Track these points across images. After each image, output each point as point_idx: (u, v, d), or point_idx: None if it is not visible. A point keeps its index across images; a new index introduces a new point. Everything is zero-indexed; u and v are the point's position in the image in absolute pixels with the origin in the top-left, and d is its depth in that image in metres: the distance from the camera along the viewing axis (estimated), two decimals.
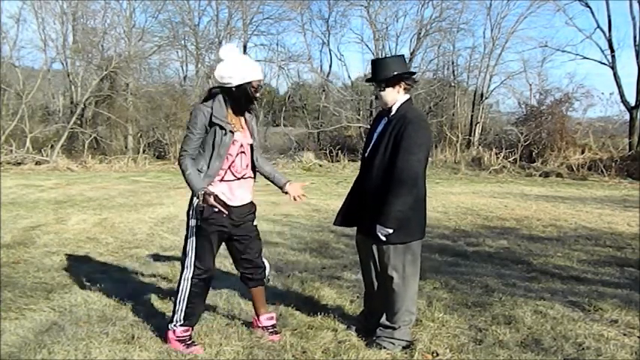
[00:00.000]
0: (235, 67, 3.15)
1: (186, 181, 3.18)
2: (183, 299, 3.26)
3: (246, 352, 3.24)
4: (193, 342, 3.29)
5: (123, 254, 5.77)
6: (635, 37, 19.81)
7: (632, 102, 19.97)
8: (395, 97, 3.31)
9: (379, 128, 3.38)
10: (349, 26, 28.45)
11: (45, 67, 20.65)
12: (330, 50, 24.14)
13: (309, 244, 6.32)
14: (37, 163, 17.64)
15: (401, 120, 3.23)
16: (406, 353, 3.26)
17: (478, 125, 22.84)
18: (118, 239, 6.53)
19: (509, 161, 19.53)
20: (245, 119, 3.34)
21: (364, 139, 3.48)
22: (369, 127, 3.62)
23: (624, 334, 3.64)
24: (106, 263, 5.37)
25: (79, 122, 20.27)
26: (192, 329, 3.35)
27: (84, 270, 5.05)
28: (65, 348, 3.23)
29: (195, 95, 21.80)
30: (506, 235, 7.21)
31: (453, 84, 24.57)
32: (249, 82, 3.16)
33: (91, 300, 4.09)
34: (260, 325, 3.51)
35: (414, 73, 3.51)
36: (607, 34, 20.31)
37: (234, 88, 3.17)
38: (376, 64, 3.37)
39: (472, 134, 22.38)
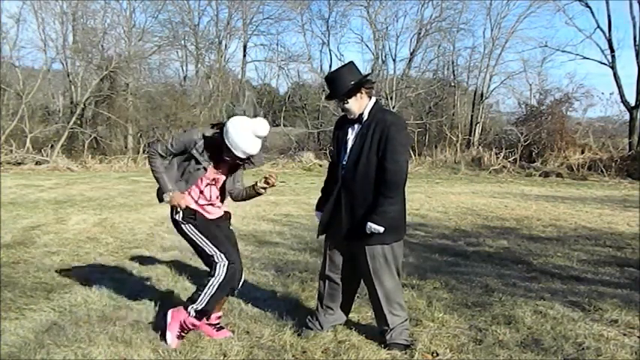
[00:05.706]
0: (242, 141, 3.20)
1: (156, 178, 3.33)
2: (214, 287, 3.27)
3: (246, 352, 3.24)
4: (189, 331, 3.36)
5: (123, 254, 5.77)
6: (635, 37, 19.83)
7: (632, 102, 19.97)
8: (360, 104, 3.29)
9: (351, 135, 3.34)
10: (349, 26, 28.47)
11: (45, 67, 20.67)
12: (330, 50, 24.24)
13: (309, 244, 6.31)
14: (37, 163, 17.65)
15: (381, 123, 3.22)
16: (406, 353, 3.26)
17: (478, 125, 22.84)
18: (118, 239, 6.52)
19: (509, 161, 19.54)
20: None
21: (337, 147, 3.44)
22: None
23: (624, 334, 3.64)
24: (105, 263, 5.37)
25: (79, 122, 20.27)
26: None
27: (84, 270, 5.05)
28: (65, 348, 3.23)
29: (195, 95, 21.81)
30: (506, 235, 7.21)
31: (453, 84, 24.57)
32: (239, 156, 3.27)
33: (91, 300, 4.09)
34: (207, 323, 3.51)
35: (369, 75, 3.49)
36: (607, 34, 20.33)
37: (229, 146, 3.25)
38: (331, 79, 3.36)
39: (472, 134, 22.38)
